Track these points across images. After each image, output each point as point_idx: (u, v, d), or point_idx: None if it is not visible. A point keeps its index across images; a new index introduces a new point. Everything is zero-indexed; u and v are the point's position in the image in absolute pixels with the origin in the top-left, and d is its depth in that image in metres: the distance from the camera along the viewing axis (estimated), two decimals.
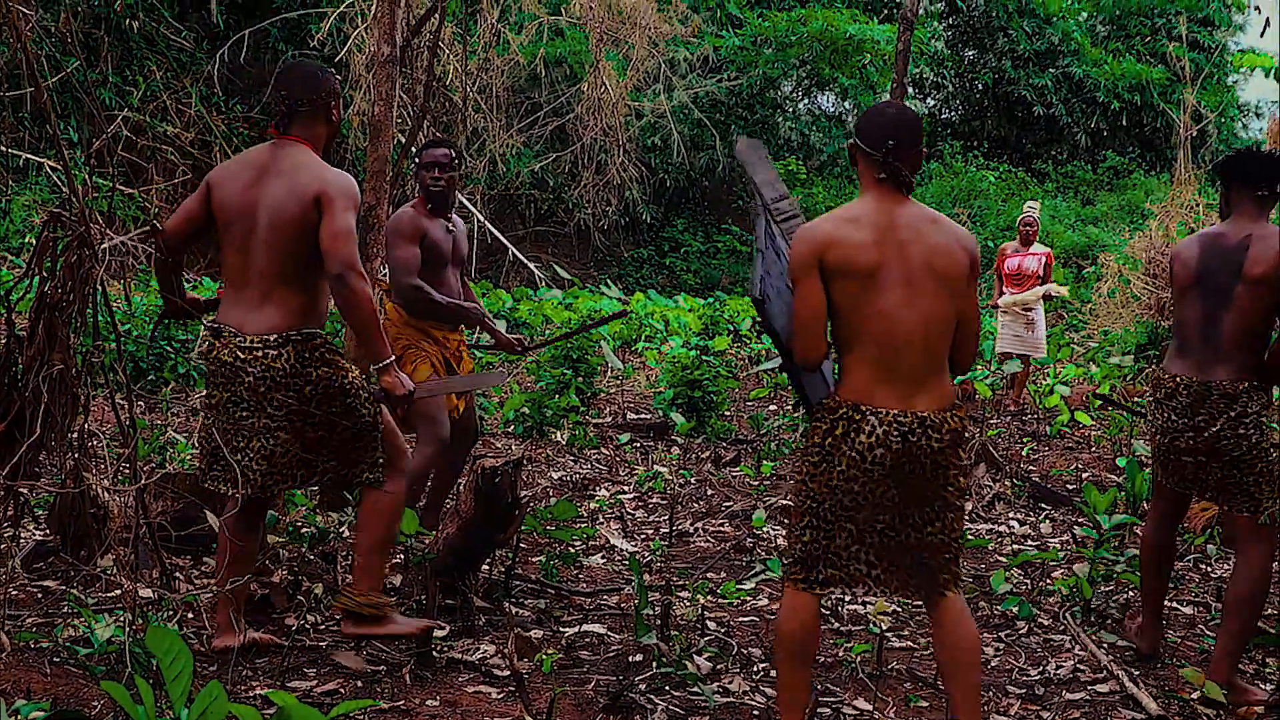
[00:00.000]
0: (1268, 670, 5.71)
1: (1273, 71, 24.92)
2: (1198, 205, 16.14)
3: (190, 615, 5.41)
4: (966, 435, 4.29)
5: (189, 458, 7.65)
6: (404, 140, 8.62)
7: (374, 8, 7.88)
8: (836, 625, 6.11)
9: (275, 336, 4.91)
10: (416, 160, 6.84)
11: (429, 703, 4.79)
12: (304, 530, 5.94)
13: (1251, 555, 5.36)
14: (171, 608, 5.39)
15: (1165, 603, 6.67)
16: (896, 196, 4.28)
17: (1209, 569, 7.45)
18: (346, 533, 6.47)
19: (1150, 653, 5.74)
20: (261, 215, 4.94)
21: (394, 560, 6.38)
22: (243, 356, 4.91)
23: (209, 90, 18.89)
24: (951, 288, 4.22)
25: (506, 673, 5.07)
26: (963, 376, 4.48)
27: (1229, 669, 5.31)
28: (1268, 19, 8.22)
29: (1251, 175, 5.38)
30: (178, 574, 5.83)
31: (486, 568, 6.12)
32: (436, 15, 8.58)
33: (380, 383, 5.10)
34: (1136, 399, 11.76)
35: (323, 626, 5.55)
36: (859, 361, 4.23)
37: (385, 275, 7.48)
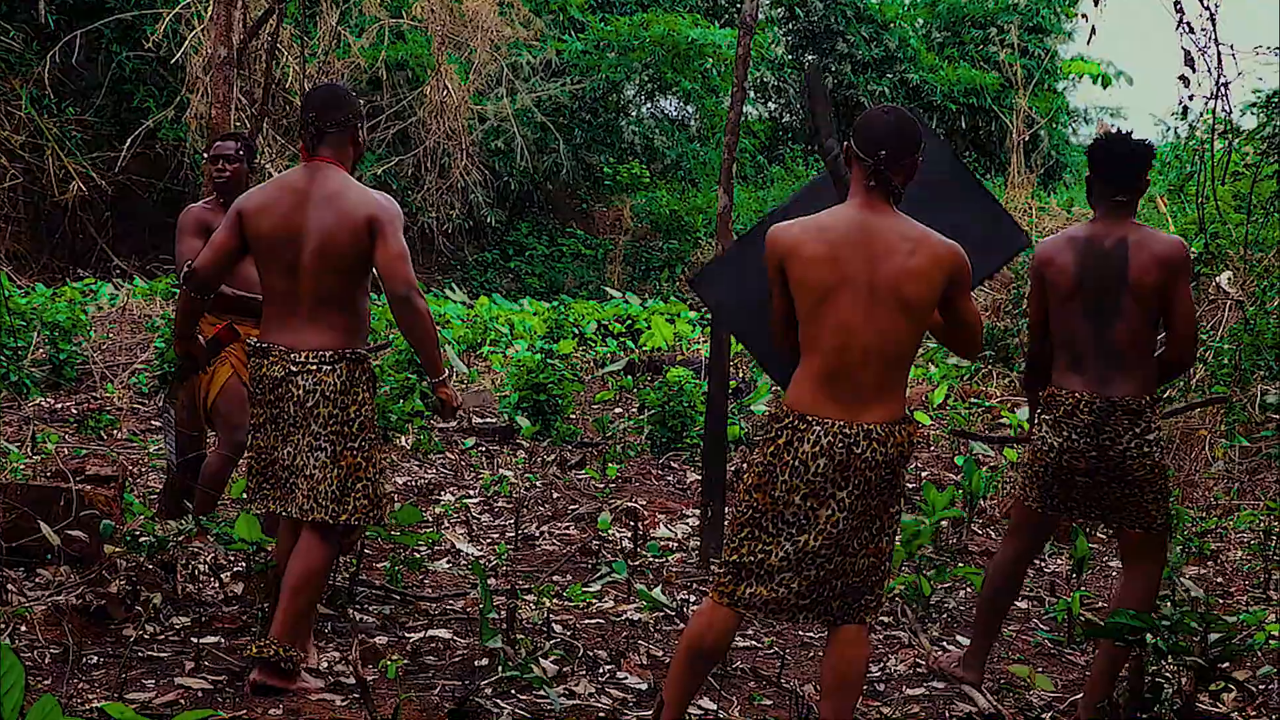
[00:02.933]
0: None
1: (1100, 78, 25.37)
2: (1030, 208, 16.52)
3: (23, 628, 5.27)
4: (913, 449, 4.27)
5: (21, 467, 7.46)
6: None
7: (210, 9, 7.76)
8: (682, 625, 6.14)
9: (330, 353, 4.97)
10: (206, 154, 6.73)
11: (272, 712, 4.73)
12: (142, 539, 5.82)
13: (1139, 573, 5.18)
14: (3, 620, 5.26)
15: None
16: (882, 207, 4.19)
17: (1043, 564, 7.63)
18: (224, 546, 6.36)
19: (977, 681, 5.41)
20: (309, 240, 4.94)
21: (235, 568, 6.30)
22: (294, 370, 4.96)
23: (40, 92, 18.42)
24: (917, 308, 4.14)
25: (351, 680, 5.03)
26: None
27: (1104, 690, 5.15)
28: (1093, 27, 8.42)
29: (1113, 179, 5.12)
30: (9, 586, 5.69)
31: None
32: (274, 17, 8.48)
33: (439, 395, 5.18)
34: (974, 399, 11.99)
35: (162, 637, 5.45)
36: (810, 371, 4.20)
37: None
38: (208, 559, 6.25)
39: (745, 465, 4.38)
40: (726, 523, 4.37)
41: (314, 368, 4.96)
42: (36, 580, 5.89)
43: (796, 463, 4.16)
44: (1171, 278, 4.95)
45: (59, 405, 10.85)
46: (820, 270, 4.14)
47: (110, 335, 13.74)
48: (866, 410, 4.17)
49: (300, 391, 4.96)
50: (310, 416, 4.98)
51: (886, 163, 4.16)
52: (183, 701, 4.77)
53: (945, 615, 6.45)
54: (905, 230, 4.18)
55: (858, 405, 4.17)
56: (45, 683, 4.82)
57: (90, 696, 4.73)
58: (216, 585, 6.10)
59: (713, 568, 4.42)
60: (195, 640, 5.38)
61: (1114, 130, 5.26)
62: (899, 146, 4.18)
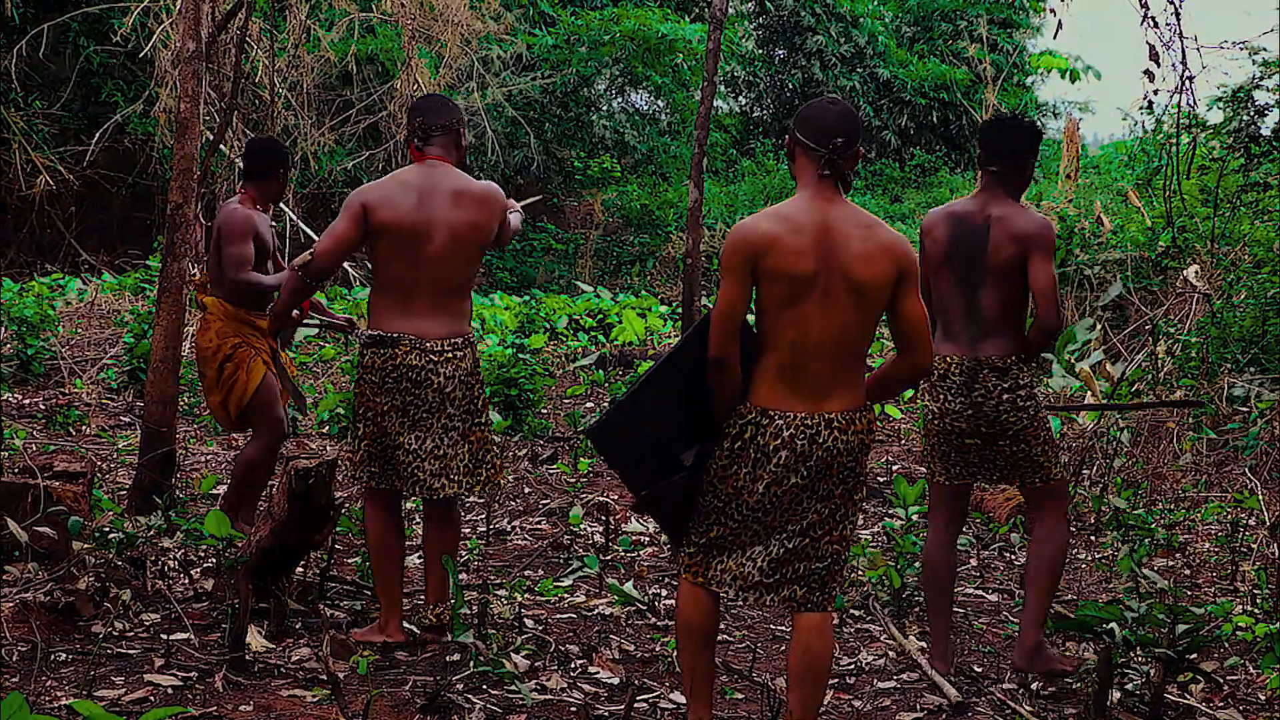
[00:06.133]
0: (1066, 654, 5.89)
1: (1068, 72, 25.45)
2: None
3: None
4: (873, 437, 4.33)
5: None
6: (211, 138, 8.46)
7: (178, 3, 7.73)
8: (654, 620, 6.16)
9: (461, 339, 5.46)
10: (283, 166, 6.84)
11: (243, 708, 4.72)
12: (111, 535, 5.80)
13: (1048, 522, 5.49)
14: None
15: (970, 590, 6.84)
16: (834, 196, 4.23)
17: (1013, 557, 7.66)
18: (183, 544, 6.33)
19: (948, 669, 5.55)
20: (438, 233, 5.36)
21: (205, 564, 6.28)
22: (434, 359, 5.38)
23: (6, 86, 18.30)
24: (870, 297, 4.18)
25: (323, 676, 5.02)
26: (921, 379, 4.44)
27: (1038, 634, 5.41)
28: (1060, 21, 8.45)
29: (986, 151, 5.45)
30: None
31: (301, 570, 6.04)
32: (243, 11, 8.44)
33: None
34: None
35: (131, 633, 5.43)
36: (770, 365, 4.23)
37: (196, 273, 7.36)
38: (177, 555, 6.23)
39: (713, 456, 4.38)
40: (695, 510, 4.39)
41: (450, 354, 5.40)
42: (4, 577, 5.86)
43: (759, 455, 4.22)
44: (1028, 253, 5.26)
45: (27, 401, 10.79)
46: (796, 262, 4.15)
47: (78, 330, 13.67)
48: (826, 401, 4.23)
49: (440, 379, 5.38)
50: (448, 400, 5.42)
51: (840, 151, 4.21)
52: (152, 699, 4.76)
53: (916, 608, 6.47)
54: (859, 218, 4.23)
55: (817, 397, 4.22)
56: (13, 680, 4.80)
57: (59, 694, 4.72)
58: (186, 582, 6.09)
59: (681, 555, 4.43)
60: (165, 637, 5.37)
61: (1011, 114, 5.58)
62: (850, 135, 4.23)
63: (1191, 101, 8.10)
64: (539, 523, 8.07)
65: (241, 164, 6.92)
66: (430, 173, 5.45)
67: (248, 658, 5.11)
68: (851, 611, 6.40)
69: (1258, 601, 6.42)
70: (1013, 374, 5.37)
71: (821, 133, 4.22)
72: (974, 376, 5.37)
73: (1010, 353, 5.37)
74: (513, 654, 5.28)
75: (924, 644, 5.92)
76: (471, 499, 8.58)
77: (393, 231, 5.32)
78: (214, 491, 7.66)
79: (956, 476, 5.58)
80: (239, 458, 6.81)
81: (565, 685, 5.15)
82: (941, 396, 5.46)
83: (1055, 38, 8.58)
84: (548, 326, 16.09)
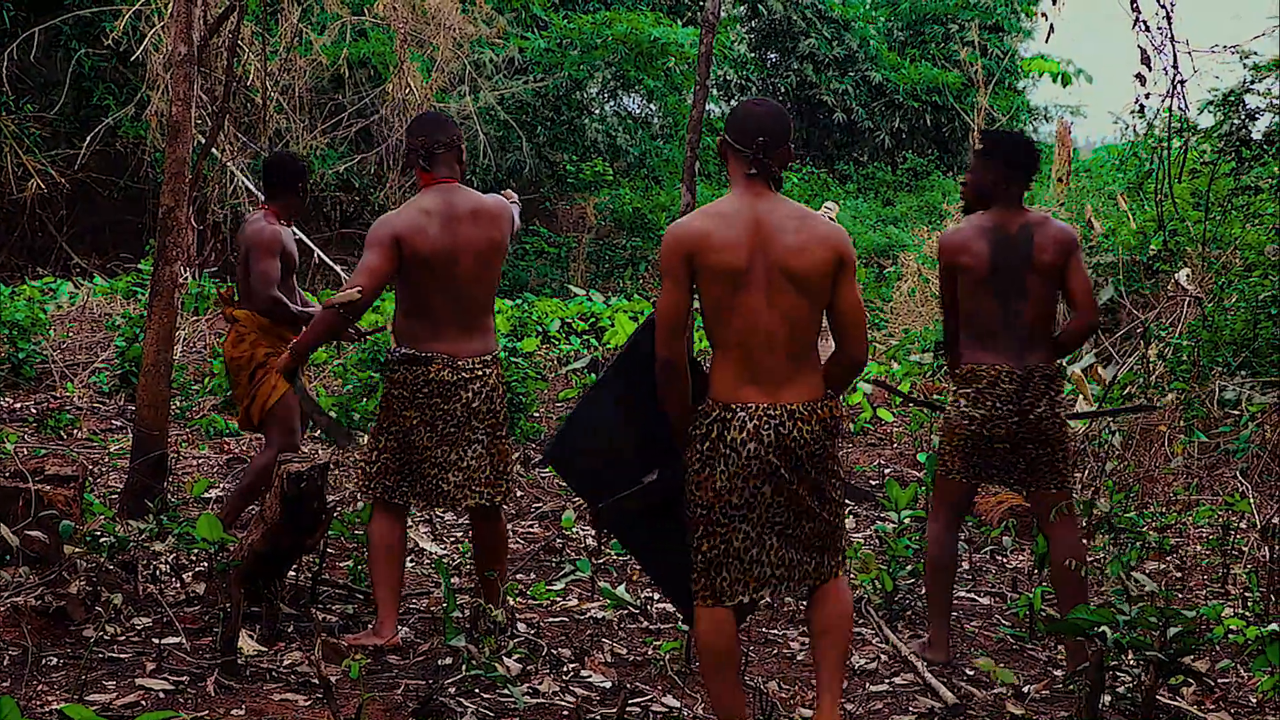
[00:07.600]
0: (1059, 656, 5.90)
1: (1060, 76, 25.57)
2: None
3: None
4: (838, 425, 4.40)
5: None
6: (203, 141, 8.45)
7: (170, 6, 7.72)
8: (645, 624, 6.16)
9: (490, 356, 5.60)
10: (302, 180, 6.95)
11: (234, 712, 4.72)
12: (103, 539, 5.79)
13: (1065, 528, 5.60)
14: None
15: (963, 593, 6.84)
16: (764, 193, 4.32)
17: (1004, 560, 7.67)
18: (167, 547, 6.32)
19: (946, 660, 5.76)
20: (465, 255, 5.47)
21: (197, 568, 6.27)
22: (465, 376, 5.50)
23: None
24: (810, 287, 4.27)
25: (314, 679, 5.02)
26: (859, 373, 4.49)
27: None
28: (1051, 25, 8.47)
29: (1022, 167, 5.63)
30: None
31: (293, 573, 6.03)
32: (235, 14, 8.44)
33: None
34: (937, 394, 12.03)
35: (122, 637, 5.42)
36: (725, 361, 4.31)
37: (187, 278, 7.36)
38: (169, 559, 6.22)
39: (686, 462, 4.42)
40: (687, 529, 4.41)
41: (480, 371, 5.53)
42: None
43: (728, 451, 4.28)
44: (1067, 256, 5.53)
45: (18, 405, 10.78)
46: (729, 256, 4.24)
47: (70, 334, 13.65)
48: (784, 391, 4.30)
49: (468, 394, 5.50)
50: (474, 415, 5.53)
51: (765, 150, 4.31)
52: (143, 703, 4.76)
53: (909, 612, 6.47)
54: (790, 210, 4.32)
55: (774, 387, 4.30)
56: (4, 684, 4.80)
57: (50, 698, 4.71)
58: (178, 586, 6.08)
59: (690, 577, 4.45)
60: (156, 641, 5.36)
61: (1003, 128, 5.74)
62: (775, 133, 4.34)
63: (1183, 105, 8.11)
64: (531, 526, 8.07)
65: (260, 182, 6.99)
66: (447, 196, 5.53)
67: (239, 662, 5.11)
68: None
69: (1249, 604, 6.42)
70: (1057, 382, 5.61)
71: (746, 133, 4.34)
72: (1025, 385, 5.54)
73: (1052, 360, 5.62)
74: (505, 658, 5.28)
75: (917, 646, 5.92)
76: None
77: (425, 261, 5.41)
78: (205, 495, 7.65)
79: (974, 477, 5.73)
80: (250, 465, 6.85)
81: (558, 689, 5.15)
82: (989, 403, 5.57)
83: (1046, 41, 8.61)
84: (540, 330, 16.07)
